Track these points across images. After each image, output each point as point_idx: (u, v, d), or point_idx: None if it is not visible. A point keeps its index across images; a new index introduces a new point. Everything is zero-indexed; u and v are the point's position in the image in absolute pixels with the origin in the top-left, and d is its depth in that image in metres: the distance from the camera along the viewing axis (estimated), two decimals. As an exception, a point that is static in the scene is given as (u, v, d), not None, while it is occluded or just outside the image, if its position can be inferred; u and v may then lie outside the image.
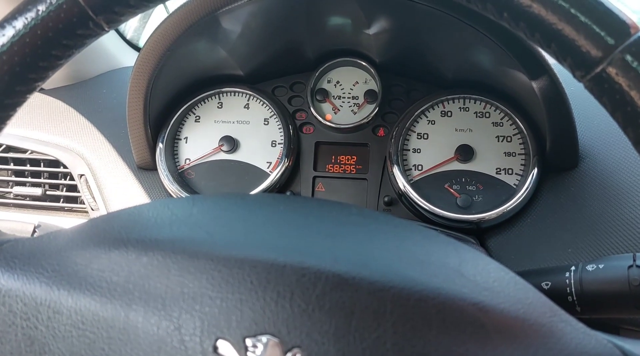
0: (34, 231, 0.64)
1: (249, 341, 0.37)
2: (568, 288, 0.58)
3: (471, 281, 0.42)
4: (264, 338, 0.37)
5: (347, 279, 0.38)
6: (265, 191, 0.88)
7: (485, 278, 0.43)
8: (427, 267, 0.41)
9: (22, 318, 0.41)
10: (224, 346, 0.37)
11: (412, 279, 0.39)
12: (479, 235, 0.84)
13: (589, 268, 0.58)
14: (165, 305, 0.39)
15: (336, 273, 0.38)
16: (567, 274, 0.59)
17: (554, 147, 0.80)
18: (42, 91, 1.15)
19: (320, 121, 0.93)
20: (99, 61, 1.19)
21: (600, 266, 0.57)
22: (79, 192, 0.96)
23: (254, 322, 0.37)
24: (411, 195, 0.84)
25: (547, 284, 0.60)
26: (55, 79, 1.15)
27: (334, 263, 0.39)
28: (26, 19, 0.44)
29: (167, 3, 1.15)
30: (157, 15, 1.43)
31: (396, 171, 0.86)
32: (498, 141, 0.87)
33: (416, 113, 0.89)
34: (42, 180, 1.00)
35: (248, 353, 0.37)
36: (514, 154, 0.86)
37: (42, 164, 1.01)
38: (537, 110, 0.80)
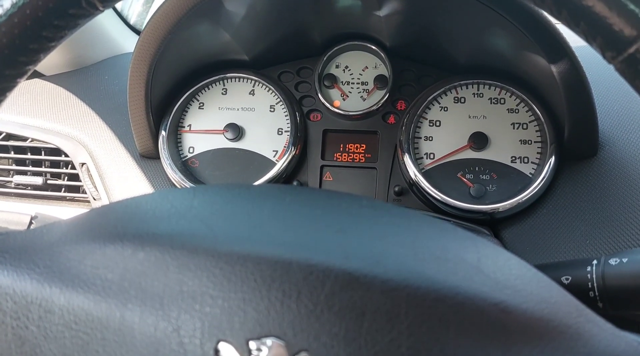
0: (31, 223, 0.62)
1: (252, 344, 0.34)
2: (590, 283, 0.55)
3: (491, 278, 0.39)
4: (268, 341, 0.34)
5: (358, 277, 0.35)
6: (271, 180, 0.86)
7: (506, 275, 0.40)
8: (444, 264, 0.39)
9: (12, 317, 0.39)
10: (225, 349, 0.34)
11: (429, 278, 0.37)
12: (493, 226, 0.82)
13: (612, 262, 0.55)
14: (163, 305, 0.36)
15: (346, 271, 0.36)
16: (589, 268, 0.56)
17: (573, 135, 0.77)
18: (43, 77, 1.13)
19: (328, 108, 0.90)
20: (101, 46, 1.17)
21: (624, 260, 0.55)
22: (80, 181, 0.94)
23: (258, 323, 0.35)
24: (422, 184, 0.81)
25: (567, 279, 0.57)
26: (57, 65, 1.13)
27: (344, 259, 0.37)
28: (14, -3, 0.41)
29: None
30: (161, -1, 1.40)
31: (407, 160, 0.83)
32: (513, 128, 0.83)
33: (428, 99, 0.86)
34: (43, 169, 0.98)
35: (252, 357, 0.34)
36: (530, 142, 0.82)
37: (43, 152, 0.99)
38: (555, 96, 0.76)
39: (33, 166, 0.99)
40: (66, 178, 0.97)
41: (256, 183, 0.86)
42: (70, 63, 1.14)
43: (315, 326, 0.34)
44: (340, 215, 0.42)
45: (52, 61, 1.13)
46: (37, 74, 1.15)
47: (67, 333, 0.37)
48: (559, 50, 0.68)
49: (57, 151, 0.97)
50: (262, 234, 0.39)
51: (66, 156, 0.96)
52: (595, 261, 0.56)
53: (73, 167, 0.96)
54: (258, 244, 0.38)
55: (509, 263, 0.41)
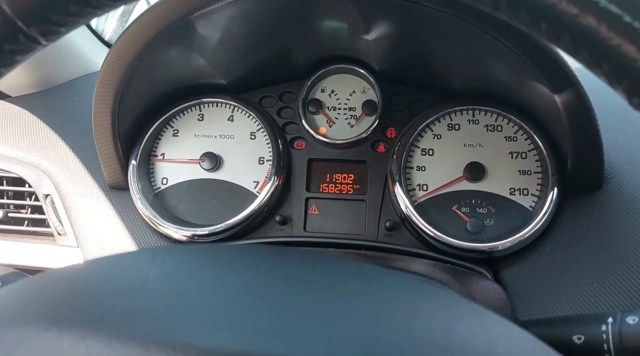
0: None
1: None
2: (605, 344, 0.51)
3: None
4: None
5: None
6: (252, 214, 0.79)
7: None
8: (450, 354, 0.32)
9: None
10: None
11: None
12: (492, 265, 0.76)
13: (630, 320, 0.50)
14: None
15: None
16: (604, 327, 0.51)
17: (576, 166, 0.72)
18: (7, 99, 1.05)
19: (313, 136, 0.84)
20: (71, 64, 1.09)
21: (644, 318, 0.49)
22: (45, 214, 0.86)
23: None
24: (415, 219, 0.76)
25: (580, 338, 0.52)
26: (23, 85, 1.06)
27: (330, 354, 0.30)
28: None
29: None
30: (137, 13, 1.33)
31: (398, 192, 0.78)
32: (512, 158, 0.79)
33: (420, 127, 0.81)
34: (4, 200, 0.90)
35: None
36: (529, 173, 0.78)
37: (5, 182, 0.91)
38: (557, 125, 0.71)
39: (-7, 198, 0.91)
40: (29, 210, 0.90)
41: (231, 222, 0.78)
42: (38, 83, 1.06)
43: None
44: (326, 291, 0.35)
45: (18, 80, 1.05)
46: (1, 96, 1.07)
47: None
48: (564, 79, 0.63)
49: (20, 181, 0.90)
50: (233, 321, 0.32)
51: (30, 186, 0.88)
52: (610, 319, 0.51)
53: (37, 199, 0.88)
54: (229, 336, 0.31)
55: (524, 346, 0.35)
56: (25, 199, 0.90)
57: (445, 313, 0.35)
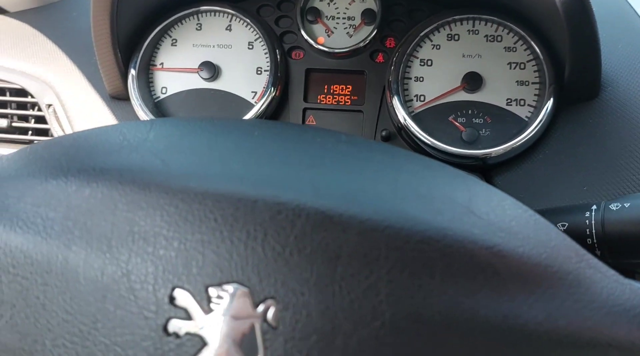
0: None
1: (212, 291, 0.30)
2: (587, 229, 0.52)
3: (484, 219, 0.35)
4: (230, 288, 0.30)
5: (332, 216, 0.31)
6: (250, 123, 0.80)
7: (500, 217, 0.36)
8: (430, 203, 0.34)
9: (-58, 261, 0.34)
10: (182, 296, 0.30)
11: (412, 218, 0.32)
12: (485, 173, 0.77)
13: (613, 207, 0.52)
14: (111, 247, 0.32)
15: (319, 209, 0.31)
16: (587, 214, 0.52)
17: (574, 74, 0.72)
18: (6, 14, 1.04)
19: (311, 45, 0.83)
20: (70, -20, 1.08)
21: (626, 204, 0.51)
22: (48, 124, 0.88)
23: (219, 268, 0.31)
24: (412, 128, 0.77)
25: (563, 226, 0.54)
26: (22, 1, 1.04)
27: (316, 197, 0.32)
28: None
29: None
30: None
31: (396, 102, 0.78)
32: (510, 68, 0.78)
33: (419, 36, 0.79)
34: (8, 111, 0.91)
35: (212, 305, 0.30)
36: (527, 83, 0.77)
37: (8, 93, 0.92)
38: (557, 32, 0.71)
39: (-2, 108, 0.92)
40: (33, 120, 0.91)
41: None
42: (37, -1, 1.06)
43: (284, 271, 0.30)
44: (315, 150, 0.37)
45: (17, -5, 1.04)
46: (0, 11, 1.07)
47: (4, 277, 0.33)
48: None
49: (23, 92, 0.91)
50: (223, 169, 0.34)
51: (32, 97, 0.89)
52: (594, 207, 0.52)
53: (40, 110, 0.89)
54: (219, 180, 0.33)
55: (503, 204, 0.37)
56: (28, 110, 0.92)
57: (429, 171, 0.37)
